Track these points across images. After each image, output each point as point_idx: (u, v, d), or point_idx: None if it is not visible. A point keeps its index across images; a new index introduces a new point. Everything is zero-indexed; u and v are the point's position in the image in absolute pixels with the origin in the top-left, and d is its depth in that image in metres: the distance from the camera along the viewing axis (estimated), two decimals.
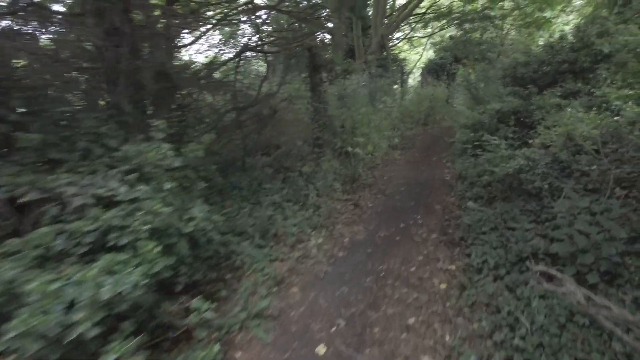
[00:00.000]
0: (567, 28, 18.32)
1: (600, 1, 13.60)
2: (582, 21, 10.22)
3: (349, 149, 6.63)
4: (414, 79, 22.54)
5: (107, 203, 2.68)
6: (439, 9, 13.06)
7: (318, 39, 8.85)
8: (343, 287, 3.70)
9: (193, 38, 6.53)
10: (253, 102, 6.38)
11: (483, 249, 4.19)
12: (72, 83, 4.20)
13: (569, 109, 7.17)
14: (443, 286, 3.76)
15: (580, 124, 5.58)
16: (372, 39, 11.69)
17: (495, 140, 6.35)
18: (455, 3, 13.40)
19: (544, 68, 10.79)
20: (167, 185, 2.89)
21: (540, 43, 17.93)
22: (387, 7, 16.40)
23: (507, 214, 4.69)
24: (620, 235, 3.20)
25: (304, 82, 7.53)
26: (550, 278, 2.87)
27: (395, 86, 16.48)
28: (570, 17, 15.41)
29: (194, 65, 6.38)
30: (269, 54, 7.14)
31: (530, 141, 6.30)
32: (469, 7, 13.28)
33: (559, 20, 15.78)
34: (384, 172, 8.01)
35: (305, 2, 8.81)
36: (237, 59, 5.95)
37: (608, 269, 3.11)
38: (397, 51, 21.20)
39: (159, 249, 2.49)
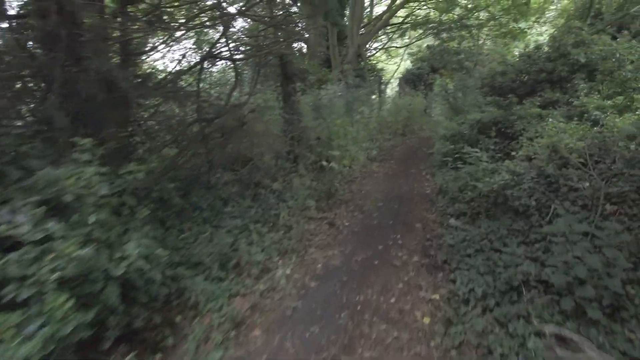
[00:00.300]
0: (541, 39, 18.72)
1: (572, 13, 13.87)
2: (556, 32, 10.28)
3: (324, 163, 6.20)
4: (391, 89, 22.52)
5: (11, 244, 2.13)
6: (416, 18, 12.96)
7: (292, 47, 8.49)
8: (314, 326, 3.21)
9: (156, 44, 6.02)
10: (220, 113, 5.89)
11: (469, 274, 3.80)
12: None
13: (550, 119, 7.00)
14: (426, 320, 3.32)
15: (563, 135, 5.35)
16: (349, 49, 11.42)
17: (476, 152, 6.07)
18: (432, 13, 13.33)
19: (522, 77, 10.76)
20: (92, 218, 2.36)
21: (516, 53, 18.27)
22: (364, 16, 16.27)
23: (493, 234, 4.33)
24: (620, 263, 2.87)
25: (275, 92, 7.09)
26: (563, 339, 2.45)
27: (373, 96, 16.30)
28: (544, 28, 15.67)
29: (153, 74, 5.85)
30: (238, 62, 6.67)
31: (513, 153, 6.03)
32: (446, 17, 13.24)
33: (533, 31, 16.03)
34: (361, 186, 7.62)
35: (280, 9, 8.45)
36: (199, 67, 5.44)
37: (610, 302, 2.76)
38: (374, 61, 21.15)
39: (71, 302, 1.96)
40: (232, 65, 6.93)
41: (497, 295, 3.39)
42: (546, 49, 10.28)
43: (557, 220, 3.82)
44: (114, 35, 4.62)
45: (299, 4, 8.24)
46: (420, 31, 15.30)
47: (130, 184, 2.88)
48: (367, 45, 21.65)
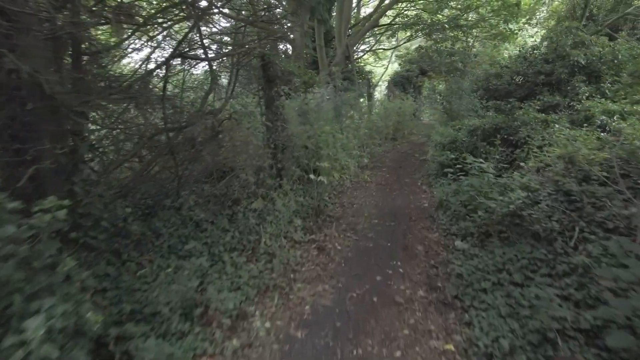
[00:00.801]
0: (531, 40, 18.48)
1: (563, 15, 13.56)
2: (552, 32, 9.88)
3: (311, 176, 5.49)
4: (380, 92, 22.01)
5: None
6: (407, 18, 12.40)
7: (276, 47, 7.79)
8: None
9: (123, 42, 5.24)
10: (192, 121, 5.14)
11: (488, 317, 3.14)
12: None
13: (557, 126, 6.45)
14: None
15: (579, 145, 4.77)
16: (337, 50, 10.77)
17: (481, 163, 5.45)
18: (423, 13, 12.80)
19: (517, 79, 10.29)
20: None
21: (505, 55, 17.95)
22: (352, 16, 15.69)
23: (511, 263, 3.69)
24: None
25: (257, 96, 6.37)
26: None
27: (362, 99, 15.70)
28: (535, 29, 15.37)
29: (114, 76, 5.05)
30: (213, 62, 5.93)
31: (520, 164, 5.43)
32: (437, 17, 12.73)
33: (524, 32, 15.71)
34: (353, 198, 6.94)
35: (263, 5, 7.74)
36: (165, 67, 4.68)
37: None
38: (362, 63, 20.61)
39: None
40: (209, 66, 6.20)
41: (529, 349, 2.73)
42: (542, 49, 9.83)
43: (588, 248, 3.22)
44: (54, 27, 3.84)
45: (284, 1, 7.56)
46: (410, 32, 14.76)
47: (50, 224, 2.12)
48: (355, 47, 21.15)
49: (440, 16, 12.64)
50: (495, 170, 5.56)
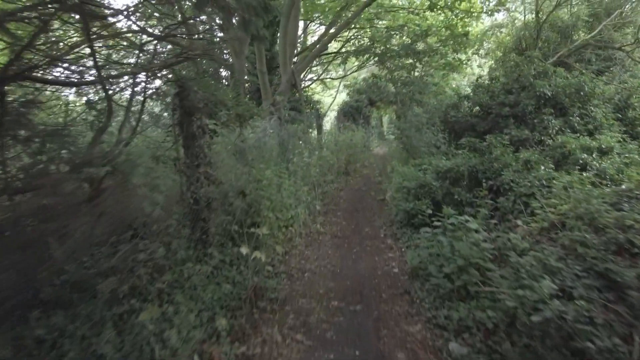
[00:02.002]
0: (478, 71, 18.76)
1: (511, 46, 13.62)
2: (505, 62, 9.47)
3: (243, 250, 3.91)
4: (329, 123, 21.15)
5: None
6: (357, 44, 11.56)
7: (200, 68, 6.30)
8: None
9: None
10: (75, 168, 3.41)
11: None
12: None
13: (542, 167, 5.52)
14: None
15: (593, 200, 3.72)
16: (282, 77, 9.49)
17: (466, 221, 4.24)
18: (374, 41, 12.05)
19: (478, 112, 9.63)
20: None
21: (454, 85, 17.98)
22: (299, 42, 14.69)
23: None
24: None
25: (170, 134, 4.76)
26: None
27: (310, 130, 14.54)
28: (483, 60, 15.44)
29: None
30: (107, 87, 4.27)
31: (518, 222, 4.30)
32: (389, 45, 12.06)
33: (472, 63, 15.72)
34: (303, 261, 5.43)
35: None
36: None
37: None
38: (310, 93, 19.69)
39: None
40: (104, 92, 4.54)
41: None
42: (501, 79, 9.30)
43: None
44: None
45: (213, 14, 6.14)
46: (361, 59, 14.03)
47: None
48: (302, 75, 20.24)
49: (393, 44, 11.98)
50: (483, 227, 4.38)
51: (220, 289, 3.84)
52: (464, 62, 13.81)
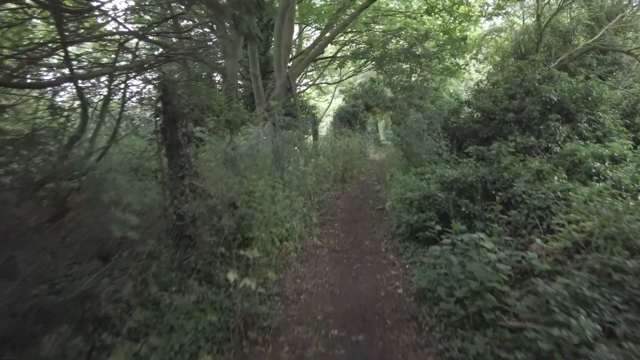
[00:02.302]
0: (476, 75, 18.50)
1: (510, 50, 13.36)
2: (505, 66, 9.15)
3: (230, 277, 3.47)
4: (325, 128, 20.79)
5: None
6: (354, 47, 11.18)
7: (189, 71, 5.88)
8: None
9: None
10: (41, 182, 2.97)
11: None
12: None
13: (556, 178, 5.15)
14: None
15: (625, 217, 3.33)
16: (276, 81, 9.10)
17: (480, 238, 3.85)
18: (371, 45, 11.69)
19: (477, 116, 9.28)
20: None
21: (451, 90, 17.70)
22: (294, 45, 14.34)
23: None
24: None
25: (153, 141, 4.33)
26: None
27: (306, 136, 14.16)
28: (482, 65, 15.19)
29: None
30: (81, 88, 3.84)
31: (537, 240, 3.91)
32: (387, 49, 11.71)
33: (470, 68, 15.45)
34: (299, 279, 5.00)
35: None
36: None
37: None
38: (306, 98, 19.34)
39: None
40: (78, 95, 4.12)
41: None
42: (503, 84, 8.97)
43: None
44: None
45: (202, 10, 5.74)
46: (358, 63, 13.66)
47: None
48: (298, 80, 19.89)
49: (390, 48, 11.64)
50: (497, 245, 3.99)
51: (205, 318, 3.39)
52: (462, 67, 13.51)
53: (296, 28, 17.09)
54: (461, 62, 13.64)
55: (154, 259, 3.62)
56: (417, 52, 11.00)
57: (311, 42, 12.37)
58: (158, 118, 4.31)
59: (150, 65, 3.92)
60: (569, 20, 11.99)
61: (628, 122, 7.79)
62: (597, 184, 4.67)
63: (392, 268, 5.27)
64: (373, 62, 11.68)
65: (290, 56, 12.76)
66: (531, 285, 3.05)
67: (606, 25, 10.75)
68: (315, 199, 8.43)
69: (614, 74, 10.52)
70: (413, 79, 12.39)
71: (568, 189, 4.63)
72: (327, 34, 11.16)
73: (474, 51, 14.46)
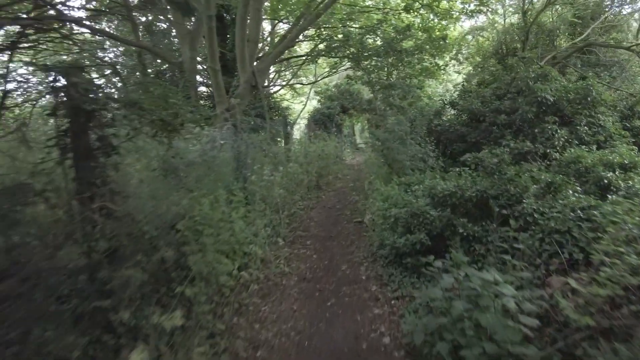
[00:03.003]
0: (455, 77, 17.93)
1: (491, 50, 12.77)
2: (499, 65, 8.43)
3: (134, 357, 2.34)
4: (299, 131, 19.71)
5: None
6: (332, 41, 10.13)
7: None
8: None
9: None
10: None
11: None
12: None
13: (571, 192, 4.28)
14: None
15: None
16: (240, 77, 7.97)
17: (497, 281, 2.88)
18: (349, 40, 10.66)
19: (463, 119, 8.48)
20: None
21: (428, 92, 17.02)
22: (266, 46, 13.27)
23: None
24: None
25: (55, 148, 3.15)
26: None
27: (279, 139, 13.04)
28: (462, 65, 14.58)
29: None
30: None
31: (571, 282, 2.98)
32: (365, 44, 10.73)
33: (451, 69, 14.80)
34: (257, 327, 3.90)
35: None
36: None
37: None
38: (279, 99, 18.21)
39: None
40: None
41: None
42: (492, 84, 8.21)
43: None
44: None
45: None
46: (333, 61, 12.61)
47: None
48: (271, 80, 18.72)
49: (369, 43, 10.67)
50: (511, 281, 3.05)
51: None
52: (442, 68, 12.78)
53: (268, 26, 16.00)
54: (440, 62, 12.90)
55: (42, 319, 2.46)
56: (398, 48, 10.09)
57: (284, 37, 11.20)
58: (58, 117, 3.14)
59: (20, 37, 2.75)
60: (553, 19, 11.46)
61: (627, 124, 7.14)
62: (621, 200, 3.83)
63: (376, 305, 4.25)
64: (349, 58, 10.68)
65: (261, 54, 11.64)
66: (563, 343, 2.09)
67: (592, 24, 10.26)
68: (284, 213, 7.34)
69: (600, 75, 10.01)
70: (394, 77, 11.48)
71: (589, 205, 3.77)
72: (300, 24, 10.05)
73: (454, 51, 13.78)
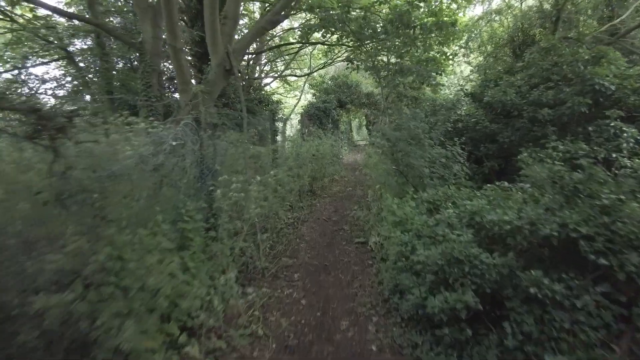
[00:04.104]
0: (460, 68, 16.30)
1: (506, 37, 11.12)
2: (546, 44, 6.80)
3: None
4: (292, 127, 17.98)
5: None
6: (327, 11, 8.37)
7: None
8: None
9: None
10: None
11: None
12: None
13: None
14: None
15: None
16: (212, 60, 6.28)
17: None
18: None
19: (496, 115, 6.85)
20: None
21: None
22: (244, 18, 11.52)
23: None
24: None
25: None
26: None
27: (270, 137, 11.33)
28: (473, 55, 12.96)
29: None
30: None
31: None
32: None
33: (460, 58, 13.14)
34: None
35: None
36: None
37: None
38: (270, 92, 16.45)
39: None
40: None
41: None
42: (526, 69, 6.57)
43: None
44: None
45: None
46: (332, 40, 10.82)
47: None
48: (261, 72, 16.96)
49: (371, 22, 8.90)
50: None
51: None
52: (450, 57, 11.09)
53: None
54: (448, 51, 11.22)
55: None
56: (411, 24, 8.39)
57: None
58: None
59: None
60: None
61: None
62: None
63: None
64: (350, 39, 8.93)
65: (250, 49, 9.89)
66: None
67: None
68: (265, 234, 5.70)
69: None
70: (406, 60, 9.73)
71: None
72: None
73: (464, 39, 12.10)
